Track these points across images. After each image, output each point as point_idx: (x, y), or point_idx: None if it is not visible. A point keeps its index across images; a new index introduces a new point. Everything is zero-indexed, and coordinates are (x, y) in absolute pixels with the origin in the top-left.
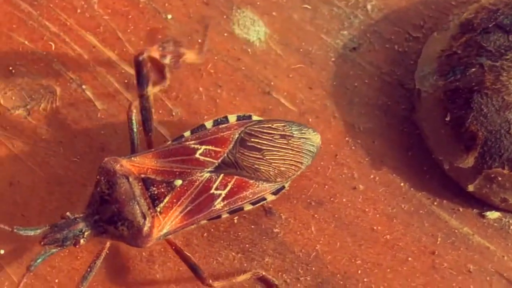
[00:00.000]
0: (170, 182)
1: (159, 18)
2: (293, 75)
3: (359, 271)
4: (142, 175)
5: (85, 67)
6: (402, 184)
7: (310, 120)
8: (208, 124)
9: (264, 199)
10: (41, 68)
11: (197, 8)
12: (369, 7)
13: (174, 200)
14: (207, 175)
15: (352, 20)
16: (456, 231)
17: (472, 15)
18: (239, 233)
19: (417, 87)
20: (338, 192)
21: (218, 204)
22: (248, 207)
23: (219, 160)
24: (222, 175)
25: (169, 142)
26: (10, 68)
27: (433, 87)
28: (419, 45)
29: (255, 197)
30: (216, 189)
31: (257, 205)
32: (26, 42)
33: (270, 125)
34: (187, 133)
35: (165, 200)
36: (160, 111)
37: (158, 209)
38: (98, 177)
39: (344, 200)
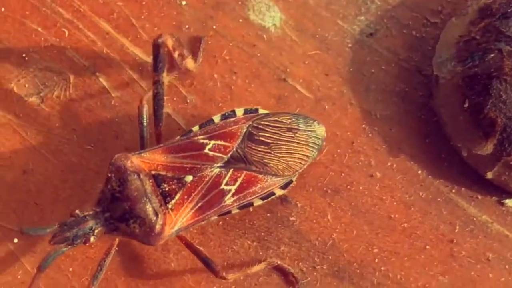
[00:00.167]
0: (180, 179)
1: (173, 4)
2: (309, 61)
3: (376, 260)
4: (153, 172)
5: (99, 54)
6: (419, 171)
7: (326, 107)
8: (216, 118)
9: (273, 193)
10: (55, 55)
11: None
12: None
13: (185, 197)
14: (216, 170)
15: (369, 5)
16: (474, 219)
17: (491, 0)
18: (255, 222)
19: (435, 73)
20: (354, 179)
21: (228, 200)
22: (258, 202)
23: (229, 155)
24: (231, 170)
25: (178, 137)
26: (23, 55)
27: (451, 73)
28: (437, 31)
29: (264, 191)
30: (226, 184)
31: (266, 200)
32: (39, 29)
33: (276, 118)
34: (195, 128)
35: (177, 197)
36: (175, 98)
37: (170, 206)
38: (108, 174)
39: (361, 188)
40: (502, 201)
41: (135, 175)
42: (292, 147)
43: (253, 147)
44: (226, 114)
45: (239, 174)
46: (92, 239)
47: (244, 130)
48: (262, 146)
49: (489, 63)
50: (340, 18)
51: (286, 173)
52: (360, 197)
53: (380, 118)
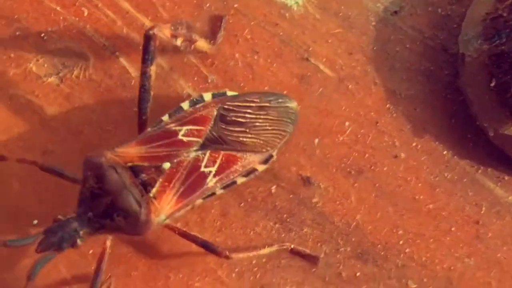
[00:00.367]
0: (158, 167)
1: None
2: (332, 40)
3: (401, 242)
4: (129, 164)
5: (118, 33)
6: (445, 152)
7: (349, 86)
8: (185, 105)
9: (255, 169)
10: (74, 34)
11: None
12: None
13: (166, 184)
14: (193, 154)
15: None
16: (501, 200)
17: None
18: (277, 203)
19: (461, 51)
20: (378, 160)
21: (211, 182)
22: (241, 180)
23: (203, 138)
24: (209, 152)
25: (149, 129)
26: (42, 34)
27: (477, 51)
28: (463, 8)
29: (245, 169)
30: (206, 166)
31: (249, 176)
32: (58, 8)
33: (246, 98)
34: (165, 117)
35: (157, 185)
36: (196, 78)
37: (152, 195)
38: (84, 173)
39: (385, 168)
40: None
41: (112, 169)
42: (266, 124)
43: (227, 128)
44: (194, 100)
45: (217, 155)
46: (78, 241)
47: (215, 113)
48: (236, 126)
49: None
50: None
51: (265, 149)
52: (384, 178)
53: (404, 97)
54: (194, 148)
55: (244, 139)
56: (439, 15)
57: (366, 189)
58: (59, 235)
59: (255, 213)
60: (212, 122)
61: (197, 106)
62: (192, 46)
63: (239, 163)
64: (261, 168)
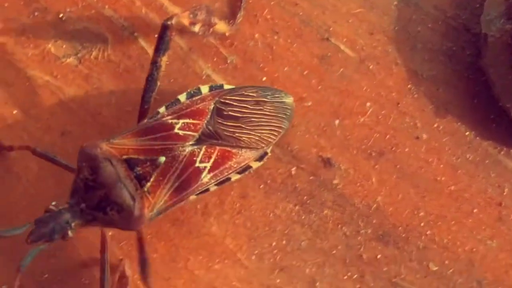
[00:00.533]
0: (154, 160)
1: None
2: (352, 20)
3: (422, 224)
4: (124, 156)
5: (137, 13)
6: (467, 133)
7: (370, 67)
8: (182, 97)
9: (250, 167)
10: (92, 15)
11: None
12: None
13: (161, 178)
14: (189, 148)
15: None
16: None
17: None
18: (297, 185)
19: (483, 31)
20: (400, 141)
21: (205, 177)
22: (235, 177)
23: (199, 132)
24: (204, 147)
25: (146, 120)
26: (61, 15)
27: (500, 31)
28: None
29: (240, 166)
30: (201, 162)
31: (243, 174)
32: None
33: (243, 92)
34: (162, 109)
35: (152, 179)
36: (215, 59)
37: (146, 189)
38: (78, 163)
39: (406, 150)
40: None
41: (107, 161)
42: (262, 119)
43: (224, 123)
44: (192, 92)
45: (212, 151)
46: (70, 233)
47: (212, 107)
48: (232, 121)
49: None
50: None
51: (259, 146)
52: (406, 159)
53: (426, 78)
54: (190, 143)
55: (240, 135)
56: None
57: (387, 171)
58: (50, 226)
59: (274, 195)
60: (209, 116)
61: (194, 98)
62: (211, 29)
63: (234, 159)
64: (255, 165)
